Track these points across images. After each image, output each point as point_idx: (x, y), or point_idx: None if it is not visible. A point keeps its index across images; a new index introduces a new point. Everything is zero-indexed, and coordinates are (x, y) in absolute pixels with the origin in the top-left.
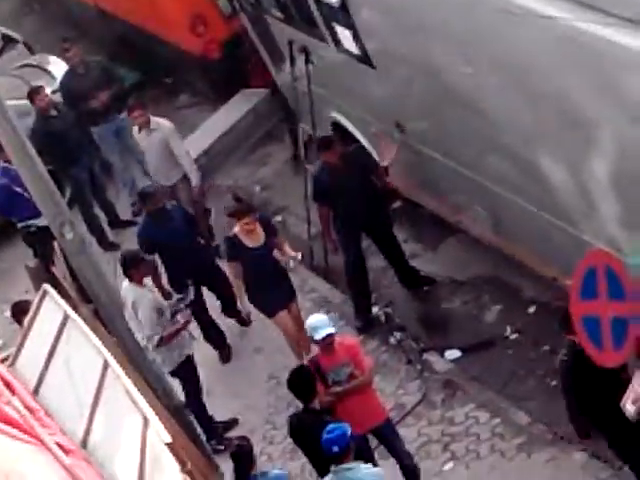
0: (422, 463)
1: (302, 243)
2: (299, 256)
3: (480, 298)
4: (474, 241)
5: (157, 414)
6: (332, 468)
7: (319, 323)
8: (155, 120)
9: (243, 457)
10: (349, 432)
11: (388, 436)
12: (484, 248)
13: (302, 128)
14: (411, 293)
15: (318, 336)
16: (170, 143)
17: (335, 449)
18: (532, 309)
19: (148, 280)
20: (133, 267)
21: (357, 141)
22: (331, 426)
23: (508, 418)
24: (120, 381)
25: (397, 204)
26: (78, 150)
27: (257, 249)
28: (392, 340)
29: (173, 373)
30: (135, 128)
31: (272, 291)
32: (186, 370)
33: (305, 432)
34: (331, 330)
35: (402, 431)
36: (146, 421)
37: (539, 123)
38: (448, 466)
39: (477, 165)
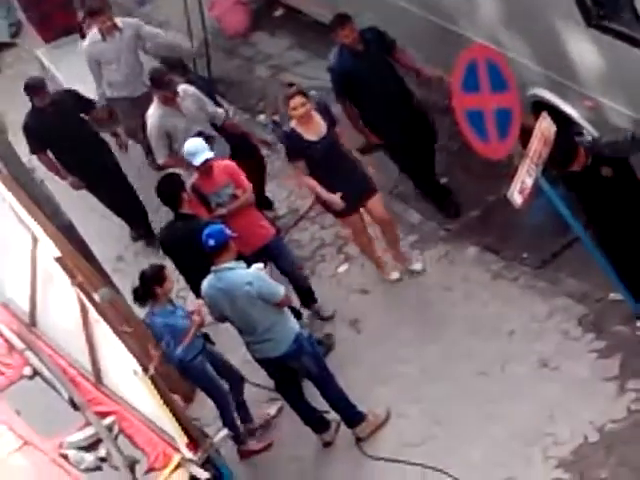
0: (317, 266)
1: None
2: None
3: None
4: None
5: (47, 232)
6: (212, 268)
7: (197, 148)
8: (119, 20)
9: (150, 279)
10: (227, 231)
11: (277, 252)
12: None
13: None
14: None
15: (197, 162)
16: (143, 33)
17: (211, 242)
18: None
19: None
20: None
21: None
22: (210, 226)
23: (400, 217)
24: (6, 202)
25: (279, 12)
26: None
27: (319, 142)
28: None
29: None
30: (94, 36)
31: (342, 189)
32: None
33: (177, 239)
34: (209, 155)
35: (296, 235)
36: (35, 239)
37: None
38: (343, 267)
39: None
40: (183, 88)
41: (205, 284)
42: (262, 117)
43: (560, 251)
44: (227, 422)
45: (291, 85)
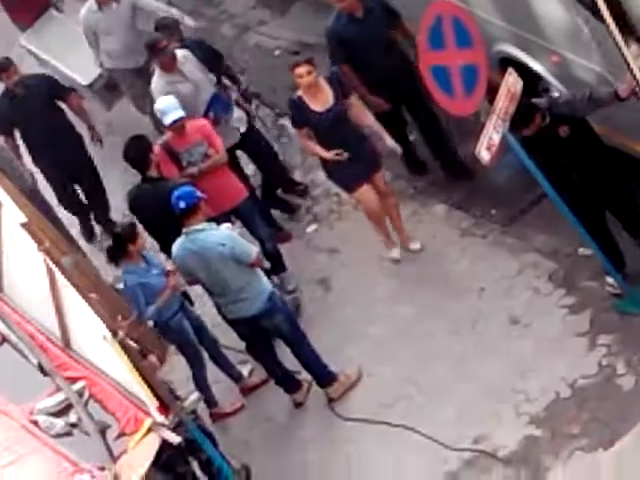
0: (286, 226)
1: None
2: (397, 150)
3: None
4: (320, 4)
5: (11, 196)
6: (184, 230)
7: (168, 107)
8: None
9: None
10: (197, 193)
11: (248, 215)
12: (331, 11)
13: None
14: (263, 60)
15: (168, 120)
16: (140, 4)
17: (182, 204)
18: None
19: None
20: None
21: None
22: (181, 188)
23: None
24: None
25: None
26: None
27: (324, 113)
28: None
29: None
30: (91, 5)
31: (349, 162)
32: None
33: (147, 201)
34: (180, 113)
35: None
36: None
37: None
38: (312, 227)
39: None
40: (182, 53)
41: (176, 246)
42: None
43: (528, 207)
44: (199, 384)
45: (296, 53)
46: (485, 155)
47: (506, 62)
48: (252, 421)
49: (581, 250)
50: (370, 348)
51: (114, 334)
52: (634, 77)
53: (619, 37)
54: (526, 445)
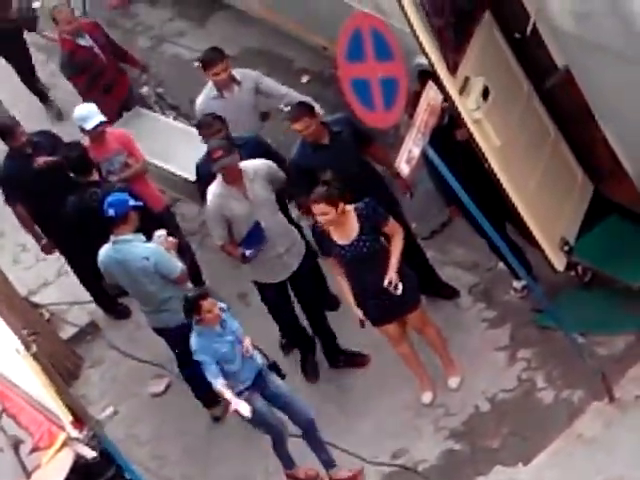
0: (204, 240)
1: None
2: None
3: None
4: (241, 15)
5: None
6: (112, 238)
7: (88, 113)
8: (237, 71)
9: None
10: (131, 202)
11: (168, 224)
12: (252, 21)
13: None
14: (181, 72)
15: (89, 125)
16: (262, 87)
17: (111, 212)
18: (305, 79)
19: None
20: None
21: None
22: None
23: None
24: None
25: None
26: None
27: (346, 246)
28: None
29: None
30: (209, 91)
31: (375, 299)
32: None
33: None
34: (101, 118)
35: (183, 209)
36: None
37: None
38: None
39: None
40: (255, 167)
41: (102, 252)
42: (145, 89)
43: (449, 221)
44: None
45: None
46: (405, 168)
47: (426, 74)
48: (168, 435)
49: (501, 264)
50: (289, 362)
51: (27, 347)
52: None
53: None
54: (445, 459)
